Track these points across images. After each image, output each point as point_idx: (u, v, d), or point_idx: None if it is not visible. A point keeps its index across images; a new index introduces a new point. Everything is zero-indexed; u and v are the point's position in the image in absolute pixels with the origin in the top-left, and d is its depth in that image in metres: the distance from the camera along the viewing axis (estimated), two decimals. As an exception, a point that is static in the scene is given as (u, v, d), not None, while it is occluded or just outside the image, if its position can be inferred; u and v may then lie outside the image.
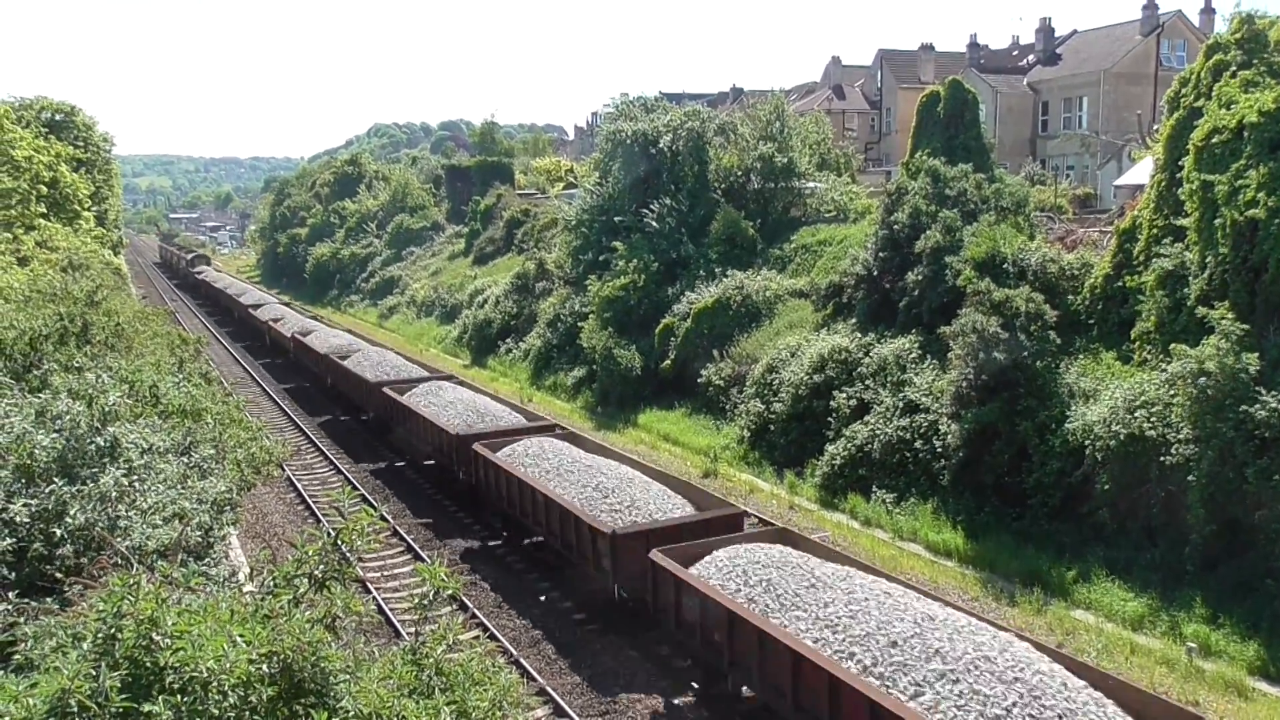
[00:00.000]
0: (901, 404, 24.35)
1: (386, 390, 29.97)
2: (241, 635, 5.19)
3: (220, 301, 72.28)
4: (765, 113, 40.94)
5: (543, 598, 19.67)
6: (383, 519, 6.43)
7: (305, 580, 6.12)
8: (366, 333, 53.00)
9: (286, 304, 62.29)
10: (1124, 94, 50.48)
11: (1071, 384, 21.38)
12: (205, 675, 4.92)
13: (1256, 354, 17.35)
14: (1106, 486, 19.14)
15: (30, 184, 42.73)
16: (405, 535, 23.04)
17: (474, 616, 18.21)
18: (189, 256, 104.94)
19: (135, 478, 9.82)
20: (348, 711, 5.26)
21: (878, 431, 24.24)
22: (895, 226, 27.53)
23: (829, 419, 26.02)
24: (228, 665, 4.97)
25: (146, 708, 4.84)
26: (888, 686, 11.33)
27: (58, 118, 60.68)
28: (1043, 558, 19.58)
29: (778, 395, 27.86)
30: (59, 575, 8.27)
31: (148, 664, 5.04)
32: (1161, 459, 18.21)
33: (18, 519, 8.85)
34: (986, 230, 24.89)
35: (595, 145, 57.94)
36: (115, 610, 5.12)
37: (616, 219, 41.07)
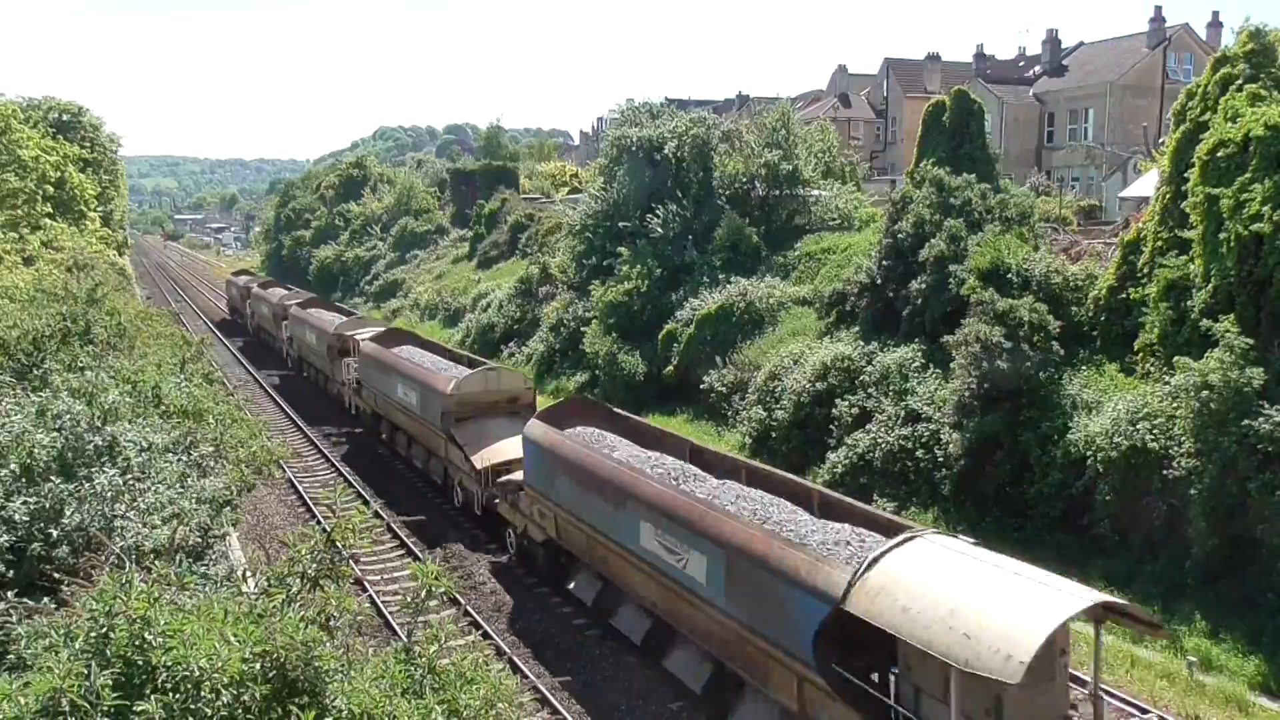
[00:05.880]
0: (904, 413, 24.29)
1: None
2: (235, 634, 5.17)
3: None
4: (771, 120, 40.94)
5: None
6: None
7: (298, 579, 6.10)
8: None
9: None
10: (1130, 106, 50.45)
11: (1074, 395, 21.32)
12: (197, 674, 4.90)
13: (1261, 368, 17.30)
14: (1108, 498, 19.07)
15: (37, 184, 42.83)
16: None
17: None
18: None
19: (133, 477, 9.81)
20: (340, 710, 5.23)
21: (879, 440, 24.18)
22: (899, 235, 27.51)
23: (831, 427, 25.96)
24: (220, 664, 4.94)
25: (138, 706, 4.82)
26: None
27: (65, 118, 60.77)
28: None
29: (780, 402, 27.81)
30: (57, 576, 8.26)
31: (140, 663, 5.02)
32: (1163, 472, 18.14)
33: (16, 517, 8.85)
34: (991, 240, 24.85)
35: (600, 150, 57.95)
36: (107, 609, 5.10)
37: (621, 224, 41.07)
